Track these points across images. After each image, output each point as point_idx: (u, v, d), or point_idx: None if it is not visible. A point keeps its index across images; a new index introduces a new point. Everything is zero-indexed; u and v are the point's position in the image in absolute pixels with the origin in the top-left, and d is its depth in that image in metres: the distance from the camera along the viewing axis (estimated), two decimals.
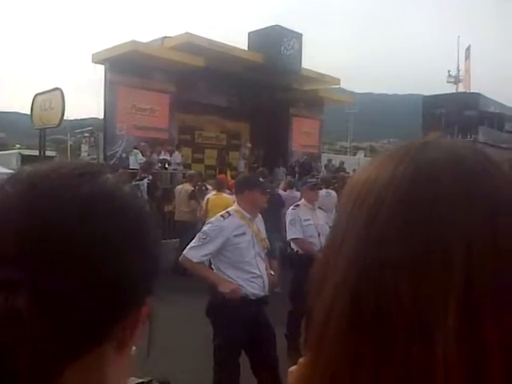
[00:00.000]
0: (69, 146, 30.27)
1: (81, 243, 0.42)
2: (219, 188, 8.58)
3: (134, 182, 10.20)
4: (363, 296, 0.42)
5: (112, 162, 13.46)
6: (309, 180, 5.88)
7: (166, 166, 13.52)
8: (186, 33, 14.95)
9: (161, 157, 13.79)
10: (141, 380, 0.66)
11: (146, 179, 10.30)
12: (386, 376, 0.40)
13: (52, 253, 0.41)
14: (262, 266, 3.80)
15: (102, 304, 0.43)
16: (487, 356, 0.39)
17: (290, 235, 5.43)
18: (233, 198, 4.95)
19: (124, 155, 14.01)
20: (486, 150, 0.47)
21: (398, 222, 0.43)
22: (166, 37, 15.74)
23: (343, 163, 19.26)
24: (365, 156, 30.78)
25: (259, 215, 3.93)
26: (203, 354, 3.98)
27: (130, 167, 12.65)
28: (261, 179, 4.28)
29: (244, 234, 3.69)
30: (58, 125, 11.87)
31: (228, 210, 3.84)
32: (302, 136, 19.68)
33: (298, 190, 8.64)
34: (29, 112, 12.56)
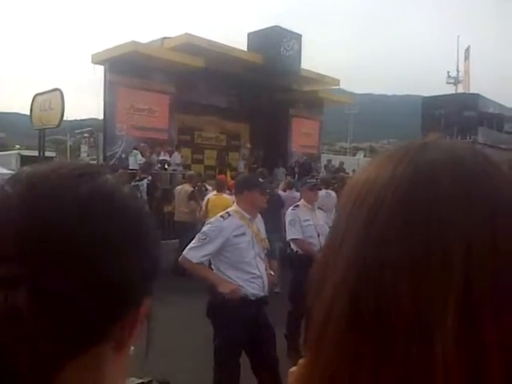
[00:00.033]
0: (68, 147, 30.27)
1: (80, 243, 0.43)
2: (219, 189, 8.58)
3: (133, 183, 10.20)
4: (363, 296, 0.42)
5: (112, 162, 13.46)
6: (308, 180, 5.88)
7: (166, 166, 13.52)
8: (186, 33, 14.95)
9: (160, 157, 13.79)
10: (141, 380, 0.66)
11: (145, 180, 10.30)
12: (386, 376, 0.41)
13: (51, 252, 0.41)
14: (262, 266, 3.80)
15: (100, 303, 0.43)
16: (487, 356, 0.39)
17: (289, 235, 5.43)
18: (233, 198, 4.96)
19: (124, 156, 14.01)
20: (486, 151, 0.47)
21: (398, 222, 0.43)
22: (165, 37, 15.75)
23: (343, 164, 19.27)
24: (364, 156, 30.82)
25: (259, 215, 3.93)
26: (203, 354, 3.98)
27: (130, 168, 12.65)
28: (260, 180, 4.28)
29: (244, 234, 3.69)
30: (58, 125, 11.88)
31: (228, 210, 3.84)
32: (302, 137, 19.68)
33: (297, 191, 8.64)
34: (28, 112, 12.57)
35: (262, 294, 3.71)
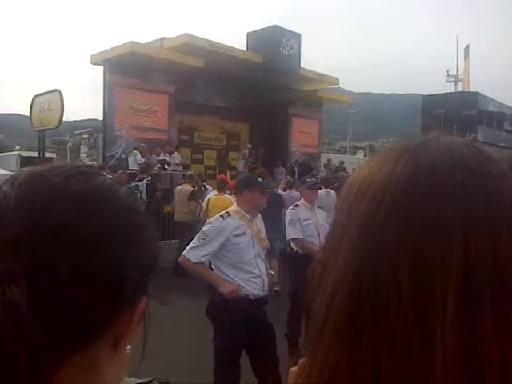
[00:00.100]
0: (68, 148, 30.28)
1: (74, 240, 0.43)
2: (220, 189, 8.57)
3: (132, 183, 10.21)
4: (363, 286, 0.43)
5: (111, 163, 13.46)
6: (307, 180, 5.86)
7: (166, 166, 13.53)
8: (185, 33, 14.96)
9: (160, 157, 13.80)
10: (141, 380, 0.66)
11: (144, 180, 10.30)
12: (385, 363, 0.41)
13: (46, 249, 0.42)
14: (262, 265, 3.80)
15: (95, 299, 0.43)
16: (484, 342, 0.40)
17: (289, 235, 5.43)
18: (233, 198, 4.96)
19: (123, 156, 14.03)
20: (485, 149, 0.48)
21: (398, 216, 0.43)
22: (164, 38, 15.76)
23: (343, 163, 19.28)
24: (364, 155, 30.79)
25: (259, 215, 3.93)
26: (204, 354, 3.98)
27: (130, 168, 12.66)
28: (260, 179, 4.28)
29: (244, 234, 3.69)
30: (57, 126, 11.89)
31: (227, 210, 3.84)
32: (302, 136, 19.70)
33: (297, 190, 8.64)
34: (28, 113, 12.57)
35: (262, 293, 3.71)
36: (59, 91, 11.71)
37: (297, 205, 5.59)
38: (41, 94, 12.32)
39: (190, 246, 3.66)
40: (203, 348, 4.03)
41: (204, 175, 13.41)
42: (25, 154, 21.70)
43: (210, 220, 3.92)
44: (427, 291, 0.41)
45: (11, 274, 0.40)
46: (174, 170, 13.65)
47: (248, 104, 17.27)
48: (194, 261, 3.60)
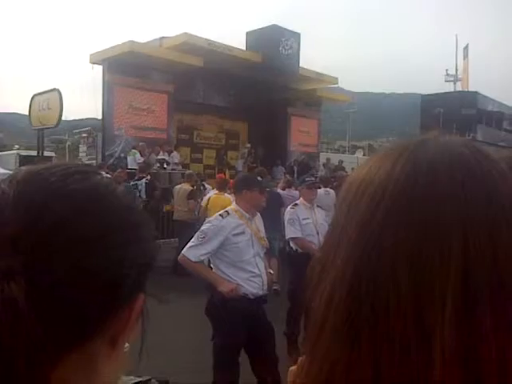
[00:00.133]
0: (67, 147, 30.26)
1: (72, 238, 0.43)
2: (220, 188, 8.57)
3: (132, 182, 10.21)
4: (362, 285, 0.43)
5: (110, 162, 13.46)
6: (306, 179, 5.87)
7: (165, 165, 13.53)
8: (184, 33, 14.95)
9: (159, 157, 13.80)
10: (140, 379, 0.66)
11: (144, 179, 10.30)
12: (384, 362, 0.41)
13: (44, 246, 0.42)
14: (261, 265, 3.81)
15: (93, 297, 0.44)
16: (483, 341, 0.40)
17: (288, 234, 5.44)
18: (233, 198, 4.96)
19: (122, 155, 14.02)
20: (484, 148, 0.48)
21: (397, 215, 0.44)
22: (164, 37, 15.75)
23: (342, 162, 19.28)
24: (363, 155, 30.81)
25: (258, 214, 3.93)
26: (203, 352, 3.98)
27: (129, 167, 12.67)
28: (259, 178, 4.28)
29: (243, 233, 3.69)
30: (56, 125, 11.89)
31: (227, 209, 3.85)
32: (301, 135, 19.70)
33: (296, 189, 8.64)
34: (27, 112, 12.57)
35: (261, 292, 3.71)
36: (58, 90, 11.72)
37: (296, 204, 5.59)
38: (40, 93, 12.33)
39: (189, 244, 3.67)
40: (202, 347, 4.04)
41: (203, 174, 13.41)
42: (24, 152, 21.67)
43: (210, 219, 3.92)
44: (426, 291, 0.41)
45: (10, 271, 0.40)
46: (173, 169, 13.65)
47: (247, 103, 17.26)
48: (193, 260, 3.60)
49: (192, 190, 9.53)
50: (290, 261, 5.50)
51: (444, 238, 0.42)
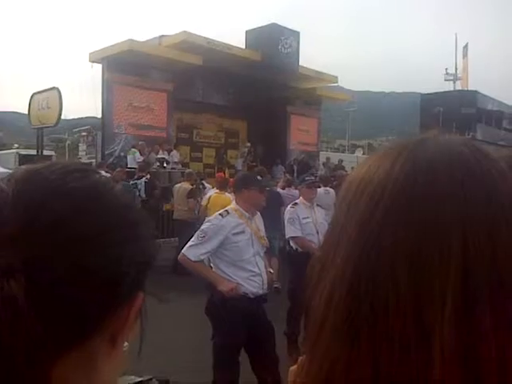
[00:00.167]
0: (67, 146, 30.27)
1: (70, 236, 0.44)
2: (221, 187, 8.56)
3: (131, 181, 10.20)
4: (361, 284, 0.43)
5: (110, 160, 13.46)
6: (306, 178, 5.87)
7: (164, 164, 13.52)
8: (184, 31, 14.95)
9: (159, 155, 13.79)
10: (141, 379, 0.66)
11: (143, 178, 10.30)
12: (384, 361, 0.41)
13: (43, 244, 0.42)
14: (261, 264, 3.81)
15: (91, 294, 0.44)
16: (483, 340, 0.40)
17: (288, 233, 5.44)
18: (232, 197, 4.95)
19: (122, 154, 14.02)
20: (484, 147, 0.48)
21: (396, 214, 0.44)
22: (163, 35, 15.74)
23: (342, 161, 19.28)
24: (363, 154, 30.81)
25: (258, 213, 3.93)
26: (203, 352, 3.98)
27: (128, 166, 12.66)
28: (259, 177, 4.28)
29: (243, 232, 3.69)
30: (56, 124, 11.88)
31: (226, 208, 3.85)
32: (300, 134, 19.70)
33: (296, 188, 8.64)
34: (27, 111, 12.56)
35: (261, 291, 3.71)
36: (58, 89, 11.70)
37: (296, 203, 5.59)
38: (39, 92, 12.31)
39: (189, 244, 3.66)
40: (202, 346, 4.04)
41: (203, 173, 13.43)
42: (23, 151, 21.69)
43: (209, 218, 3.92)
44: (426, 290, 0.41)
45: (10, 269, 0.40)
46: (172, 168, 13.64)
47: (246, 102, 17.25)
48: (193, 259, 3.60)
49: (192, 189, 9.53)
50: (290, 260, 5.51)
51: (444, 237, 0.42)
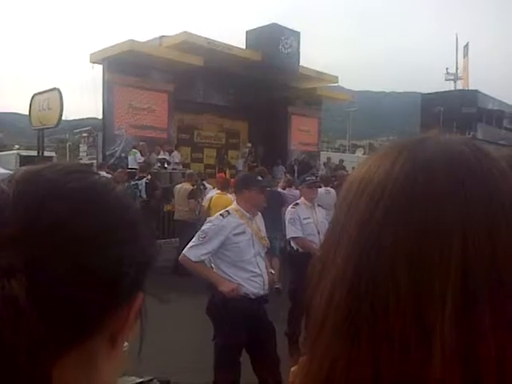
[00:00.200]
0: (67, 147, 30.29)
1: (70, 238, 0.44)
2: (223, 188, 8.55)
3: (132, 182, 10.20)
4: (362, 284, 0.43)
5: (111, 161, 13.46)
6: (307, 178, 5.87)
7: (165, 165, 13.53)
8: (184, 32, 14.94)
9: (160, 156, 13.80)
10: (141, 379, 0.66)
11: (144, 179, 10.30)
12: (384, 360, 0.42)
13: (43, 244, 0.42)
14: (262, 264, 3.81)
15: (91, 294, 0.44)
16: (483, 340, 0.40)
17: (289, 234, 5.44)
18: (233, 197, 4.95)
19: (123, 155, 14.02)
20: (484, 147, 0.48)
21: (396, 214, 0.44)
22: (163, 36, 15.73)
23: (342, 161, 19.27)
24: (364, 154, 30.80)
25: (259, 214, 3.93)
26: (204, 353, 3.98)
27: (129, 167, 12.67)
28: (259, 178, 4.28)
29: (243, 232, 3.69)
30: (56, 125, 11.88)
31: (227, 208, 3.85)
32: (301, 134, 19.70)
33: (296, 189, 8.64)
34: (27, 112, 12.56)
35: (262, 292, 3.71)
36: (58, 90, 11.70)
37: (297, 203, 5.59)
38: (40, 93, 12.31)
39: (190, 244, 3.66)
40: (203, 347, 4.04)
41: (204, 174, 13.42)
42: (24, 152, 21.69)
43: (210, 219, 3.92)
44: (426, 289, 0.41)
45: (11, 269, 0.40)
46: (173, 169, 13.65)
47: (247, 102, 17.25)
48: (193, 259, 3.60)
49: (192, 190, 9.53)
50: (291, 260, 5.50)
51: (444, 237, 0.42)
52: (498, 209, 0.43)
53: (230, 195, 7.97)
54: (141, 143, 13.80)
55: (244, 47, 16.51)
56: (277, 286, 4.52)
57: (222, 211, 3.81)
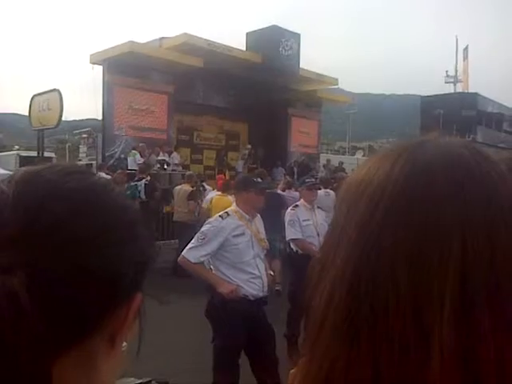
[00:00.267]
0: (67, 147, 30.28)
1: (69, 239, 0.44)
2: (224, 189, 8.55)
3: (132, 183, 10.20)
4: (361, 285, 0.43)
5: (110, 162, 13.47)
6: (307, 180, 5.87)
7: (165, 166, 13.53)
8: (184, 33, 14.96)
9: (159, 157, 13.80)
10: (140, 380, 0.66)
11: (143, 180, 10.30)
12: (383, 362, 0.42)
13: (42, 244, 0.43)
14: (262, 266, 3.81)
15: (91, 296, 0.44)
16: (482, 342, 0.40)
17: (289, 236, 5.44)
18: (233, 199, 4.95)
19: (122, 156, 14.02)
20: (484, 150, 0.48)
21: (396, 216, 0.44)
22: (163, 37, 15.75)
23: (342, 163, 19.28)
24: (363, 156, 30.82)
25: (258, 215, 3.94)
26: (203, 354, 3.98)
27: (129, 168, 12.67)
28: (258, 179, 4.28)
29: (243, 234, 3.69)
30: (56, 126, 11.88)
31: (227, 210, 3.85)
32: (301, 136, 19.71)
33: (296, 190, 8.64)
34: (27, 113, 12.57)
35: (261, 294, 3.71)
36: (58, 91, 11.70)
37: (296, 205, 5.59)
38: (40, 94, 12.31)
39: (189, 246, 3.66)
40: (202, 348, 4.03)
41: (203, 175, 13.41)
42: (24, 153, 21.68)
43: (209, 220, 3.92)
44: (425, 291, 0.41)
45: (10, 265, 0.41)
46: (173, 170, 13.65)
47: (247, 104, 17.27)
48: (193, 261, 3.60)
49: (192, 191, 9.53)
50: (291, 262, 5.51)
51: (444, 239, 0.42)
52: (496, 212, 0.43)
53: (230, 197, 7.97)
54: (140, 144, 13.81)
55: (244, 49, 16.53)
56: (277, 288, 4.52)
57: (221, 213, 3.81)
